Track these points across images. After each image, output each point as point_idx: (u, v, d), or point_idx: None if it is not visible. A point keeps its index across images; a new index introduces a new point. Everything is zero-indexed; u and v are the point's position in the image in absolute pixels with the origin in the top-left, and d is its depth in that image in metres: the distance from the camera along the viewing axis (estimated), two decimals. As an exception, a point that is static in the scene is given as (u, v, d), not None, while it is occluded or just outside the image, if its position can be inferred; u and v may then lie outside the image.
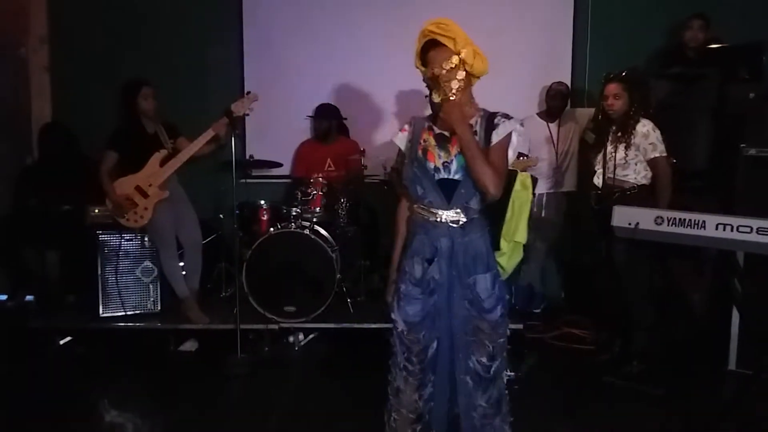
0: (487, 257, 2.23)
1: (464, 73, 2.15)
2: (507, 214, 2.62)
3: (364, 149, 4.51)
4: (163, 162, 4.04)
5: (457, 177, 2.17)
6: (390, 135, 4.99)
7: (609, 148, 3.65)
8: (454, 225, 2.19)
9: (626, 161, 3.59)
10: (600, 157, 3.72)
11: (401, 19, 4.93)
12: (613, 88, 3.62)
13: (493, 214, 2.35)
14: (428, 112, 4.04)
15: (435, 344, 2.25)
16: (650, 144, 3.54)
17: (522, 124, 2.22)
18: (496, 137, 2.16)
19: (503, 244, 2.66)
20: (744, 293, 3.21)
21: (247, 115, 4.02)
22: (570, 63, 5.00)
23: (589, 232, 4.08)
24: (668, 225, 2.88)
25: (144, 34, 5.07)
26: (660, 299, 3.74)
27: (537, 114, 4.81)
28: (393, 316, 2.30)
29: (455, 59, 2.12)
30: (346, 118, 4.89)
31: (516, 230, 2.78)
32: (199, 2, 5.07)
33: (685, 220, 2.84)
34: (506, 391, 2.33)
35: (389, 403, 2.35)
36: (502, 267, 2.64)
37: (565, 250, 4.98)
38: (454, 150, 2.17)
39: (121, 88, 4.08)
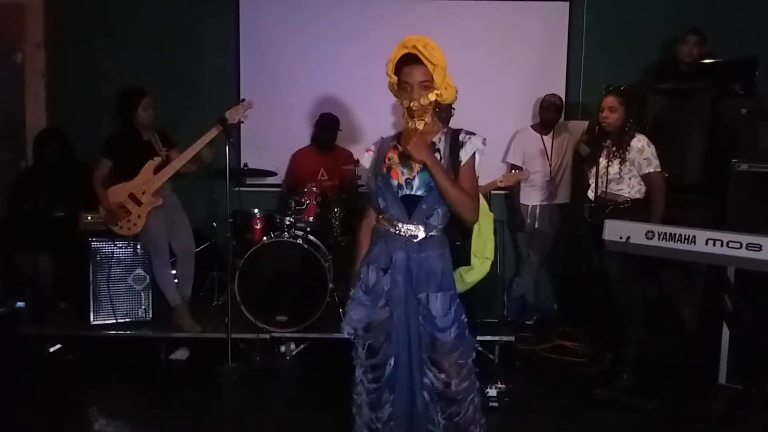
0: (442, 277, 2.25)
1: (434, 97, 2.19)
2: (474, 232, 2.66)
3: (357, 159, 4.52)
4: (157, 170, 4.03)
5: (419, 193, 2.22)
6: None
7: (603, 161, 3.67)
8: (412, 240, 2.23)
9: (620, 176, 3.60)
10: (594, 170, 3.73)
11: (396, 30, 4.91)
12: (610, 101, 3.63)
13: (464, 233, 2.39)
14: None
15: (392, 361, 2.26)
16: (645, 159, 3.55)
17: (484, 142, 2.26)
18: (465, 155, 2.22)
19: (474, 260, 2.70)
20: (734, 308, 3.21)
21: (242, 122, 4.04)
22: (564, 76, 5.03)
23: (583, 245, 4.09)
24: (659, 239, 2.90)
25: (140, 41, 5.07)
26: (652, 313, 3.75)
27: (531, 126, 4.83)
28: (342, 325, 2.33)
29: (432, 96, 2.18)
30: (341, 130, 4.90)
31: (485, 247, 2.83)
32: (196, 10, 5.08)
33: (675, 234, 2.85)
34: (476, 414, 2.31)
35: (355, 423, 2.37)
36: (463, 279, 2.68)
37: (558, 262, 4.99)
38: (416, 167, 2.22)
39: (120, 96, 4.07)
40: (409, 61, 2.17)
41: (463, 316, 2.28)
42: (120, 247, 4.19)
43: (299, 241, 4.16)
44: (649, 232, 2.94)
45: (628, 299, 3.62)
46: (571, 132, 4.75)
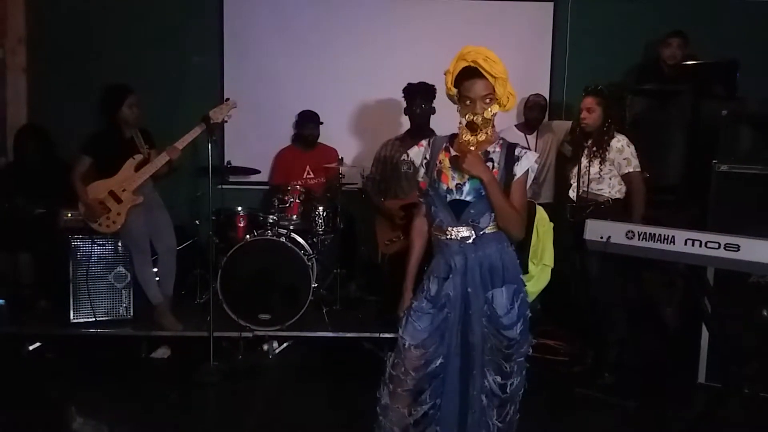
0: (504, 271, 2.22)
1: (497, 109, 2.17)
2: (533, 239, 2.67)
3: (342, 157, 4.51)
4: (138, 167, 4.00)
5: (468, 198, 2.20)
6: (367, 142, 5.06)
7: (584, 161, 3.69)
8: (465, 241, 2.20)
9: (601, 175, 3.63)
10: (575, 170, 3.75)
11: (380, 29, 4.96)
12: (588, 101, 3.66)
13: (521, 242, 2.37)
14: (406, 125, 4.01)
15: (439, 361, 2.22)
16: (624, 159, 3.58)
17: (537, 160, 2.26)
18: (519, 170, 2.20)
19: (531, 267, 2.70)
20: (713, 307, 3.24)
21: (225, 122, 4.02)
22: (549, 76, 5.06)
23: (564, 244, 4.11)
24: (639, 239, 2.91)
25: (123, 39, 5.03)
26: (632, 312, 3.77)
27: (515, 126, 4.84)
28: (400, 332, 2.28)
29: (496, 108, 2.15)
30: (322, 122, 4.89)
31: (543, 254, 2.83)
32: (180, 8, 5.05)
33: (655, 234, 2.86)
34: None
35: (378, 423, 2.31)
36: (527, 291, 2.62)
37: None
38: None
39: (105, 92, 4.03)
40: (469, 74, 2.13)
41: (528, 311, 2.26)
42: (101, 245, 4.15)
43: (282, 239, 4.15)
44: (629, 231, 2.95)
45: (608, 299, 3.65)
46: (554, 132, 4.77)
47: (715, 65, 4.26)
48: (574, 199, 3.75)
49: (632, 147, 3.60)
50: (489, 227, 2.21)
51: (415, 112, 4.12)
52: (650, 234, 2.89)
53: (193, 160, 4.37)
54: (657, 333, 3.96)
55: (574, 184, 3.74)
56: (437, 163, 2.26)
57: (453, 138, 2.28)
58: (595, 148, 3.64)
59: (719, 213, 3.54)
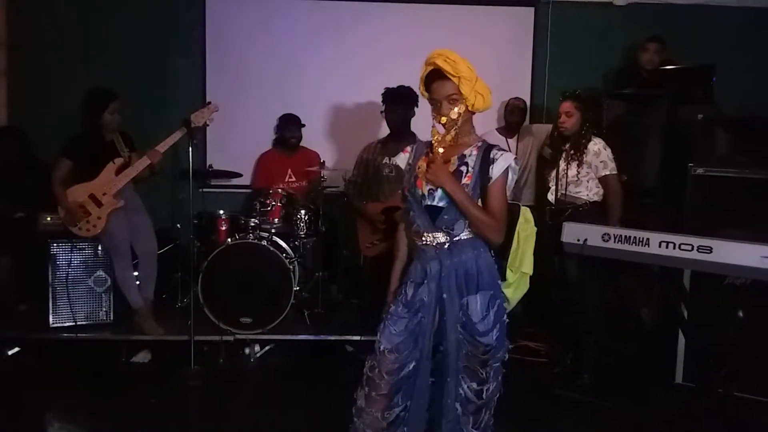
0: (479, 277, 2.22)
1: (464, 109, 2.17)
2: (513, 245, 2.66)
3: (323, 161, 4.52)
4: (119, 171, 3.99)
5: (441, 204, 2.20)
6: (348, 146, 5.07)
7: (562, 165, 3.73)
8: (442, 247, 2.21)
9: (578, 178, 3.67)
10: (554, 173, 3.79)
11: (362, 33, 4.98)
12: (566, 106, 3.70)
13: (499, 245, 2.37)
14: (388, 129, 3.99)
15: (412, 365, 2.23)
16: (601, 162, 3.62)
17: (516, 161, 2.25)
18: (496, 172, 2.18)
19: (509, 274, 2.69)
20: (690, 308, 3.29)
21: (207, 125, 4.02)
22: (530, 80, 5.11)
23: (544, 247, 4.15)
24: (615, 242, 2.96)
25: (105, 42, 5.02)
26: (610, 314, 3.82)
27: (496, 129, 4.88)
28: (378, 336, 2.29)
29: (461, 108, 2.16)
30: (304, 125, 4.91)
31: (522, 261, 2.82)
32: (161, 11, 5.05)
33: (630, 237, 2.91)
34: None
35: (353, 425, 2.32)
36: (507, 299, 2.61)
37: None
38: None
39: (89, 96, 3.99)
40: (435, 77, 2.17)
41: (505, 317, 2.26)
42: (80, 249, 4.12)
43: (264, 242, 4.15)
44: (605, 234, 3.00)
45: (586, 300, 3.68)
46: (535, 135, 4.81)
47: (692, 70, 4.33)
48: (553, 202, 3.79)
49: (609, 150, 3.64)
50: (464, 233, 2.22)
51: (390, 116, 4.12)
52: (625, 236, 2.94)
53: (174, 163, 4.35)
54: (635, 334, 4.01)
55: (553, 188, 3.78)
56: (416, 168, 2.27)
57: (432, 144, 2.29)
58: (572, 152, 3.68)
59: (695, 215, 3.58)
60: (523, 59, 5.10)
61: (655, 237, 2.85)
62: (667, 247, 2.82)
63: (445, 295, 2.21)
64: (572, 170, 3.67)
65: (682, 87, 4.19)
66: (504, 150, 2.24)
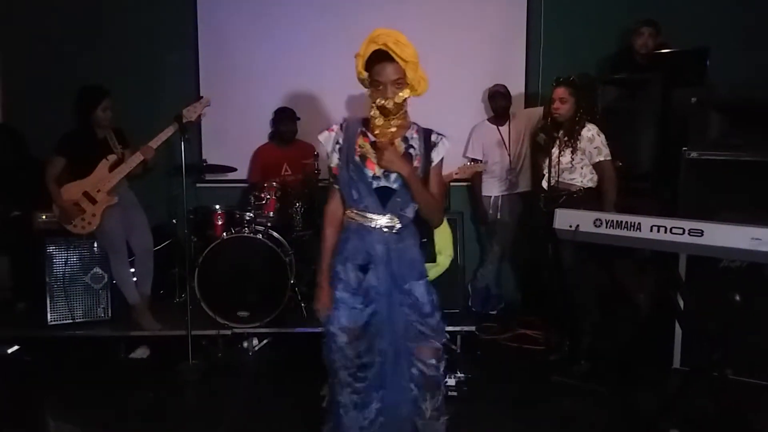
0: (421, 265, 2.27)
1: (408, 94, 2.16)
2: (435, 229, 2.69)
3: (317, 152, 4.51)
4: (112, 167, 3.99)
5: (395, 186, 2.19)
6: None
7: (556, 151, 3.71)
8: (390, 231, 2.20)
9: (572, 165, 3.66)
10: (548, 160, 3.78)
11: (354, 21, 4.94)
12: (560, 92, 3.68)
13: (429, 230, 2.41)
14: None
15: (377, 358, 2.22)
16: (595, 148, 3.61)
17: (449, 148, 2.29)
18: (436, 157, 2.22)
19: (439, 257, 2.74)
20: (685, 292, 3.28)
21: (200, 120, 4.01)
22: (524, 67, 5.06)
23: (540, 234, 4.14)
24: (606, 227, 2.94)
25: (97, 38, 5.00)
26: (606, 299, 3.81)
27: (488, 119, 4.86)
28: (330, 328, 2.24)
29: (407, 93, 2.13)
30: (299, 118, 4.89)
31: (447, 244, 2.87)
32: (153, 5, 5.03)
33: (622, 222, 2.90)
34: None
35: (334, 423, 2.31)
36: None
37: (521, 252, 5.04)
38: None
39: (81, 93, 4.00)
40: (380, 58, 2.10)
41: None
42: (76, 246, 4.14)
43: (260, 236, 4.16)
44: (597, 220, 2.98)
45: (582, 286, 3.68)
46: (528, 118, 4.78)
47: (686, 53, 4.28)
48: (547, 188, 3.77)
49: (602, 136, 3.63)
50: (410, 218, 2.24)
51: None
52: (617, 221, 2.92)
53: (169, 158, 4.35)
54: (631, 319, 4.00)
55: (547, 174, 3.77)
56: (357, 147, 2.22)
57: (366, 122, 2.24)
58: (566, 138, 3.67)
59: (689, 199, 3.56)
60: (517, 46, 5.05)
61: (646, 221, 2.84)
62: (658, 231, 2.81)
63: (390, 280, 2.19)
64: (566, 157, 3.66)
65: (676, 70, 4.16)
66: (442, 134, 2.27)
